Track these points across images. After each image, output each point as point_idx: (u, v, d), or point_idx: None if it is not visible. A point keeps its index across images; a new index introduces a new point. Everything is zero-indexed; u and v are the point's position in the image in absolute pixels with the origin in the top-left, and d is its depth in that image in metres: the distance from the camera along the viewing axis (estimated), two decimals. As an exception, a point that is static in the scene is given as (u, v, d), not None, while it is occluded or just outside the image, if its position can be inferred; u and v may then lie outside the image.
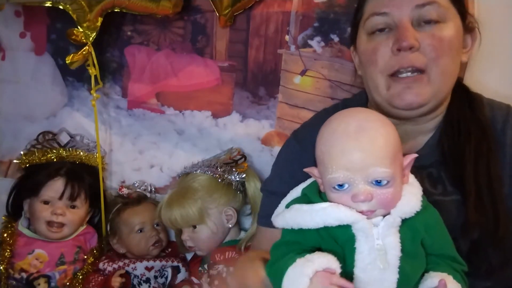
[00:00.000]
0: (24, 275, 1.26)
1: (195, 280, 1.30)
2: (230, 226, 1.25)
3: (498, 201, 0.82)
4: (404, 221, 0.71)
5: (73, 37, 1.21)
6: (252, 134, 1.35)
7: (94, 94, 1.30)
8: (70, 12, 1.19)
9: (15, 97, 1.43)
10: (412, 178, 0.77)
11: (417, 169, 0.81)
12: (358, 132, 0.70)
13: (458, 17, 0.88)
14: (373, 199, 0.69)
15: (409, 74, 0.86)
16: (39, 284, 1.26)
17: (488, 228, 0.80)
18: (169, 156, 1.41)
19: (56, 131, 1.42)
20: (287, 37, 1.29)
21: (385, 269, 0.68)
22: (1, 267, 1.25)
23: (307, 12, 1.27)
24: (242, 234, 1.28)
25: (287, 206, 0.80)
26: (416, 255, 0.72)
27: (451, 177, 0.88)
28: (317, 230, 0.72)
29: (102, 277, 1.28)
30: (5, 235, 1.30)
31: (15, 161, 1.39)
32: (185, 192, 1.22)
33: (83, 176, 1.34)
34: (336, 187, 0.71)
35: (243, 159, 1.31)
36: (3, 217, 1.35)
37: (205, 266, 1.24)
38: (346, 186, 0.70)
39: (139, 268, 1.29)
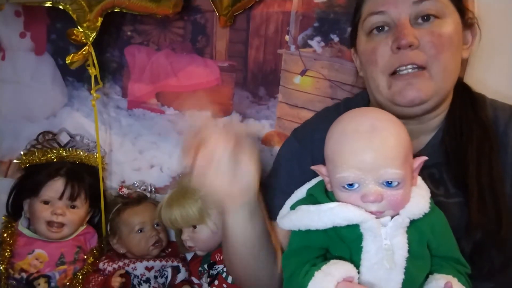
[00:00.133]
0: (24, 275, 1.26)
1: (195, 280, 1.30)
2: (230, 226, 1.25)
3: (501, 202, 0.82)
4: (412, 222, 0.71)
5: (73, 37, 1.21)
6: (252, 134, 1.35)
7: (94, 94, 1.30)
8: (70, 12, 1.19)
9: (15, 97, 1.43)
10: (420, 180, 0.77)
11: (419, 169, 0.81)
12: (370, 132, 0.70)
13: (456, 13, 0.88)
14: (383, 200, 0.69)
15: (409, 70, 0.85)
16: (39, 284, 1.25)
17: (491, 229, 0.80)
18: (169, 156, 1.41)
19: (56, 131, 1.42)
20: (287, 37, 1.29)
21: (391, 269, 0.68)
22: (1, 267, 1.25)
23: (307, 12, 1.27)
24: (242, 234, 1.28)
25: (292, 207, 0.80)
26: (422, 256, 0.72)
27: (453, 178, 0.87)
28: (325, 231, 0.72)
29: (102, 277, 1.27)
30: (5, 235, 1.29)
31: (15, 161, 1.39)
32: (185, 192, 1.22)
33: (83, 176, 1.34)
34: (346, 186, 0.71)
35: (243, 159, 1.31)
36: (3, 217, 1.35)
37: (205, 266, 1.24)
38: (356, 185, 0.70)
39: (139, 268, 1.29)
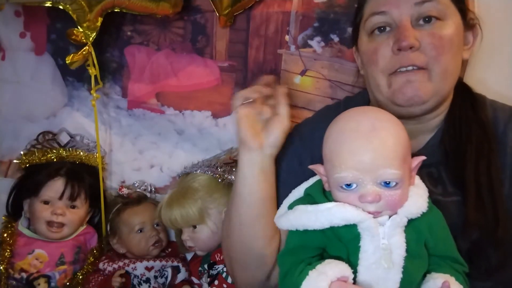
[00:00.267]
0: (24, 275, 1.26)
1: (195, 280, 1.30)
2: (230, 226, 1.25)
3: (498, 202, 0.82)
4: (409, 221, 0.71)
5: (73, 37, 1.21)
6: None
7: (94, 94, 1.30)
8: (70, 12, 1.19)
9: (15, 97, 1.43)
10: (418, 179, 0.77)
11: (418, 169, 0.81)
12: (369, 132, 0.70)
13: (458, 14, 0.89)
14: (381, 200, 0.69)
15: (410, 68, 0.86)
16: (39, 284, 1.26)
17: (488, 228, 0.81)
18: (169, 156, 1.41)
19: (56, 131, 1.42)
20: (287, 37, 1.29)
21: (389, 268, 0.68)
22: (1, 267, 1.25)
23: (307, 12, 1.27)
24: (242, 234, 1.28)
25: (290, 207, 0.80)
26: (420, 255, 0.72)
27: (451, 177, 0.88)
28: (322, 231, 0.72)
29: (102, 277, 1.27)
30: (5, 235, 1.29)
31: (15, 161, 1.39)
32: (185, 192, 1.22)
33: (83, 176, 1.34)
34: (344, 186, 0.71)
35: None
36: (3, 217, 1.35)
37: (205, 266, 1.24)
38: (354, 186, 0.70)
39: (139, 268, 1.29)
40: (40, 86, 1.42)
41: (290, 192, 0.87)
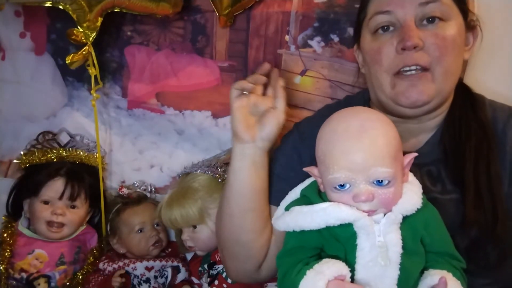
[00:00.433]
0: (24, 275, 1.26)
1: (195, 280, 1.30)
2: (230, 226, 1.25)
3: (497, 200, 0.83)
4: (404, 218, 0.72)
5: (73, 37, 1.21)
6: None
7: (94, 94, 1.30)
8: (70, 12, 1.19)
9: (15, 97, 1.43)
10: (411, 176, 0.78)
11: (417, 167, 0.82)
12: (359, 132, 0.71)
13: (460, 15, 0.89)
14: (375, 199, 0.70)
15: (413, 72, 0.87)
16: (39, 284, 1.26)
17: (487, 226, 0.81)
18: (169, 156, 1.41)
19: (56, 131, 1.42)
20: (287, 37, 1.29)
21: (386, 265, 0.69)
22: (1, 267, 1.25)
23: (307, 12, 1.27)
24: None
25: (287, 208, 0.81)
26: (417, 252, 0.73)
27: (451, 175, 0.88)
28: (319, 231, 0.72)
29: (102, 277, 1.27)
30: (5, 235, 1.29)
31: (15, 161, 1.39)
32: (185, 192, 1.22)
33: (83, 176, 1.34)
34: (337, 187, 0.72)
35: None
36: (3, 217, 1.35)
37: (205, 266, 1.24)
38: (347, 186, 0.71)
39: (139, 268, 1.29)
40: (40, 86, 1.42)
41: (289, 188, 0.87)
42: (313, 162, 0.80)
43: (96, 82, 1.29)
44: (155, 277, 1.30)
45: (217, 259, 1.21)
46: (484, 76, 1.16)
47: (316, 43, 1.28)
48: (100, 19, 1.21)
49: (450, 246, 0.77)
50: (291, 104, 1.31)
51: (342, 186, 0.71)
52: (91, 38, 1.21)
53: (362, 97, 1.04)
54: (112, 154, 1.43)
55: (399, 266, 0.69)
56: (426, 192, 0.78)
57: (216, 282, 1.19)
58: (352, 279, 0.69)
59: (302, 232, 0.74)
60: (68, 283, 1.28)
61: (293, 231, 0.75)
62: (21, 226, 1.32)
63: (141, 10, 1.23)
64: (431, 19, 0.86)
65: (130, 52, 1.38)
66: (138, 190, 1.40)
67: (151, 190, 1.41)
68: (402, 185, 0.74)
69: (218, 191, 1.22)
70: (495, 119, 0.91)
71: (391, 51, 0.88)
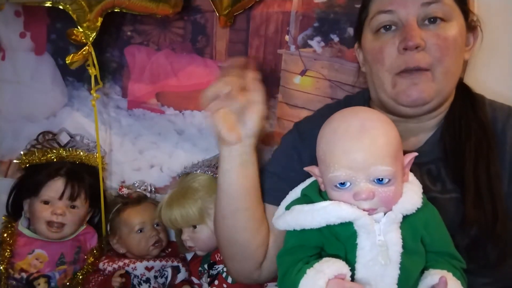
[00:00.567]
0: (24, 275, 1.26)
1: (195, 280, 1.30)
2: (230, 226, 1.25)
3: (497, 199, 0.83)
4: (405, 218, 0.72)
5: (73, 37, 1.21)
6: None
7: (94, 94, 1.30)
8: (70, 12, 1.19)
9: (15, 97, 1.43)
10: (411, 176, 0.78)
11: (417, 166, 0.82)
12: (360, 132, 0.71)
13: (461, 16, 0.90)
14: (375, 197, 0.70)
15: (414, 72, 0.87)
16: (39, 284, 1.25)
17: (486, 225, 0.82)
18: (169, 156, 1.41)
19: (56, 131, 1.42)
20: (287, 37, 1.29)
21: (386, 265, 0.69)
22: (1, 267, 1.24)
23: (307, 12, 1.27)
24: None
25: (287, 208, 0.81)
26: (417, 251, 0.73)
27: (451, 174, 0.89)
28: (319, 229, 0.73)
29: (102, 277, 1.27)
30: (5, 235, 1.29)
31: (15, 161, 1.39)
32: (185, 192, 1.22)
33: (83, 176, 1.34)
34: (338, 185, 0.72)
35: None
36: (3, 217, 1.35)
37: (205, 266, 1.24)
38: (347, 184, 0.71)
39: (139, 268, 1.29)
40: (40, 86, 1.42)
41: (289, 188, 0.88)
42: (313, 161, 0.80)
43: (96, 82, 1.29)
44: (155, 277, 1.30)
45: (217, 259, 1.21)
46: (485, 76, 1.16)
47: (316, 43, 1.28)
48: (100, 19, 1.21)
49: (450, 246, 0.77)
50: (291, 104, 1.31)
51: (342, 184, 0.72)
52: (91, 38, 1.21)
53: (362, 97, 1.04)
54: (112, 154, 1.43)
55: (399, 265, 0.69)
56: (426, 191, 0.79)
57: (216, 282, 1.19)
58: (352, 278, 0.69)
59: (303, 231, 0.74)
60: (68, 283, 1.27)
61: (294, 230, 0.75)
62: (21, 226, 1.32)
63: (141, 10, 1.23)
64: (433, 20, 0.87)
65: (130, 52, 1.38)
66: (138, 190, 1.40)
67: (151, 190, 1.41)
68: (402, 184, 0.74)
69: (218, 191, 1.23)
70: (494, 119, 0.91)
71: (393, 50, 0.88)
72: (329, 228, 0.72)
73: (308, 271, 0.68)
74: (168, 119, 1.40)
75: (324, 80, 1.28)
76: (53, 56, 1.41)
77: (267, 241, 0.97)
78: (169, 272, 1.33)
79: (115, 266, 1.28)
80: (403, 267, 0.69)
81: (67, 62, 1.22)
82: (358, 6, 1.01)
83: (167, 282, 1.32)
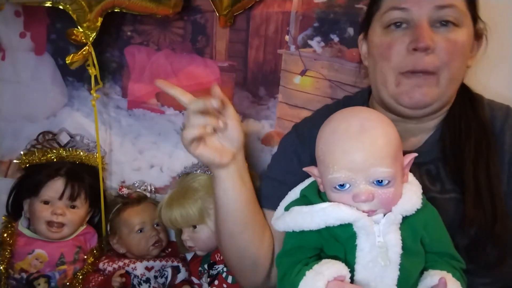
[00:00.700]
0: (24, 275, 1.26)
1: (195, 280, 1.30)
2: (230, 226, 1.25)
3: (496, 198, 0.83)
4: (404, 219, 0.72)
5: (73, 37, 1.21)
6: (252, 134, 1.35)
7: (94, 94, 1.30)
8: (70, 12, 1.19)
9: (15, 97, 1.43)
10: (411, 177, 0.78)
11: (416, 166, 0.82)
12: (359, 132, 0.71)
13: (471, 23, 0.90)
14: (374, 199, 0.70)
15: (420, 74, 0.87)
16: (39, 284, 1.25)
17: (486, 225, 0.82)
18: (169, 156, 1.41)
19: (56, 131, 1.42)
20: (287, 37, 1.29)
21: (386, 266, 0.69)
22: (1, 267, 1.25)
23: (307, 12, 1.27)
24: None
25: (286, 208, 0.81)
26: (416, 252, 0.73)
27: (450, 174, 0.89)
28: (318, 231, 0.72)
29: (102, 277, 1.27)
30: (5, 235, 1.29)
31: (15, 161, 1.39)
32: (185, 192, 1.22)
33: (83, 176, 1.34)
34: (337, 187, 0.72)
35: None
36: (3, 217, 1.35)
37: (205, 266, 1.24)
38: (347, 186, 0.71)
39: (139, 268, 1.29)
40: (40, 86, 1.42)
41: (290, 190, 0.87)
42: (313, 163, 0.80)
43: (96, 82, 1.30)
44: (155, 277, 1.30)
45: (217, 259, 1.21)
46: (486, 77, 1.16)
47: (316, 43, 1.28)
48: (100, 19, 1.21)
49: (450, 247, 0.77)
50: (291, 104, 1.31)
51: (342, 186, 0.71)
52: (91, 38, 1.22)
53: (361, 97, 1.04)
54: (112, 154, 1.43)
55: (399, 266, 0.69)
56: (425, 191, 0.79)
57: (216, 282, 1.19)
58: (352, 280, 0.69)
59: (302, 232, 0.74)
60: (68, 283, 1.27)
61: (293, 231, 0.75)
62: (21, 226, 1.32)
63: (141, 10, 1.23)
64: (445, 23, 0.86)
65: (130, 52, 1.38)
66: (138, 190, 1.40)
67: (151, 190, 1.41)
68: (402, 185, 0.74)
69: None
70: (493, 118, 0.91)
71: (401, 49, 0.87)
72: (328, 229, 0.71)
73: (307, 273, 0.68)
74: (168, 119, 1.40)
75: (324, 80, 1.28)
76: (53, 56, 1.41)
77: (272, 247, 0.96)
78: (169, 272, 1.33)
79: (115, 266, 1.28)
80: (402, 268, 0.69)
81: (67, 62, 1.23)
82: (358, 6, 1.01)
83: (167, 282, 1.32)
